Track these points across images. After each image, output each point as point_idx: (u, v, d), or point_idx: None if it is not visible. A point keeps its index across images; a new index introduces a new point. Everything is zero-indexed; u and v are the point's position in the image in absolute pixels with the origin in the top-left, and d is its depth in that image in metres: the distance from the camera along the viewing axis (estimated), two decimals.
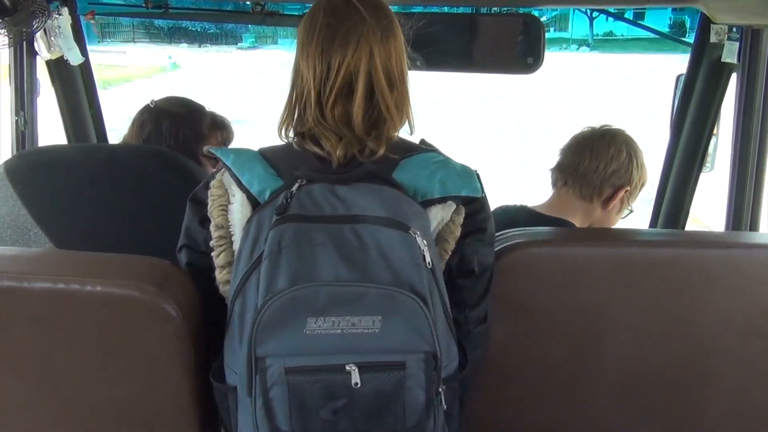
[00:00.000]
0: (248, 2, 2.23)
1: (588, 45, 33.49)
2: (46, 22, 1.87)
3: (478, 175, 1.12)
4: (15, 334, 1.06)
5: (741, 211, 1.91)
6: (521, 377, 1.26)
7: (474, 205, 1.10)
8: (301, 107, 1.12)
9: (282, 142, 1.16)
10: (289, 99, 1.13)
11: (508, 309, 1.22)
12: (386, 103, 1.10)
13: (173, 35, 33.48)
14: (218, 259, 1.10)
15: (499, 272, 1.18)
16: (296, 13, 2.41)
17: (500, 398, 1.28)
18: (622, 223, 1.83)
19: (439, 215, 1.08)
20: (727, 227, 1.95)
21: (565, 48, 31.63)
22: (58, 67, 2.24)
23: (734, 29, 1.91)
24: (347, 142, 1.08)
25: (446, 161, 1.12)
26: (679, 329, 1.22)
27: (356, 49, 1.08)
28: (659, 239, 1.27)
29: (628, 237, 1.29)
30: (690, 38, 2.15)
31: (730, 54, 1.94)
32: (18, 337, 1.06)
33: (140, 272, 1.06)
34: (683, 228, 2.20)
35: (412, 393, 0.98)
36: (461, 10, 2.26)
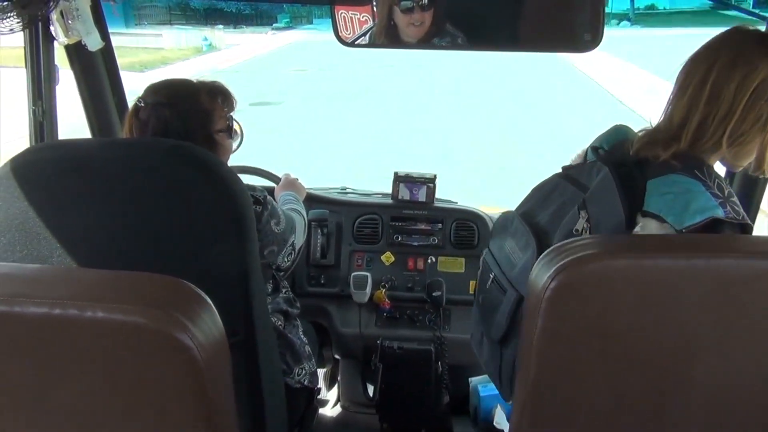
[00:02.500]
0: None
1: (629, 19, 32.56)
2: (58, 3, 1.73)
3: (712, 220, 1.18)
4: (6, 366, 0.91)
5: None
6: (593, 413, 1.07)
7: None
8: None
9: None
10: None
11: (577, 332, 1.03)
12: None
13: (209, 17, 33.67)
14: None
15: (567, 288, 1.00)
16: None
17: None
18: None
19: (649, 226, 1.23)
20: None
21: (605, 22, 30.75)
22: (77, 52, 2.11)
23: None
24: (643, 142, 1.32)
25: (688, 193, 1.22)
26: None
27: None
28: (762, 248, 1.07)
29: (724, 246, 1.08)
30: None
31: None
32: (10, 370, 0.92)
33: (148, 294, 0.90)
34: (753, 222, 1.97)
35: None
36: None
